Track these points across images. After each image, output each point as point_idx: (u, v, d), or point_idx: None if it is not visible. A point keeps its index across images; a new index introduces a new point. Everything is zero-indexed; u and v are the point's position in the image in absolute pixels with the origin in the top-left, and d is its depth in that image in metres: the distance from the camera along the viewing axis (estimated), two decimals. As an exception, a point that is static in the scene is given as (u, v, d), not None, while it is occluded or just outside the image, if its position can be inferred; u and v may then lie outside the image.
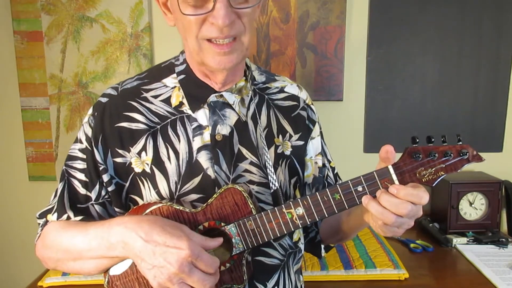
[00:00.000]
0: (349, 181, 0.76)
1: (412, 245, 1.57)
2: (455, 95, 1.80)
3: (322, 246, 1.05)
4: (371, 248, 1.52)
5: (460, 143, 0.74)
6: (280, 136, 0.93)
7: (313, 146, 0.99)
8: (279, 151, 0.92)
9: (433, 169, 0.74)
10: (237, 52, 0.79)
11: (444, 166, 0.74)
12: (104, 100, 0.88)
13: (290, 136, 0.94)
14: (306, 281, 1.09)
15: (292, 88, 0.99)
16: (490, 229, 1.66)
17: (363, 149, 1.86)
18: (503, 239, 1.57)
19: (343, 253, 1.48)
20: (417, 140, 0.74)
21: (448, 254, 1.54)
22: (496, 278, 1.31)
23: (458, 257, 1.50)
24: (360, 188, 0.75)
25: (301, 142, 0.96)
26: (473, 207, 1.67)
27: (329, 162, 1.04)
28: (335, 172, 1.05)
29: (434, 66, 1.78)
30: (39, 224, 0.92)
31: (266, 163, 0.88)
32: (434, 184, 0.74)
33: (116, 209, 0.89)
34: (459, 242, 1.59)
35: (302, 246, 0.99)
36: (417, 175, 0.74)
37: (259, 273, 0.87)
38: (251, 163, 0.88)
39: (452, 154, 0.73)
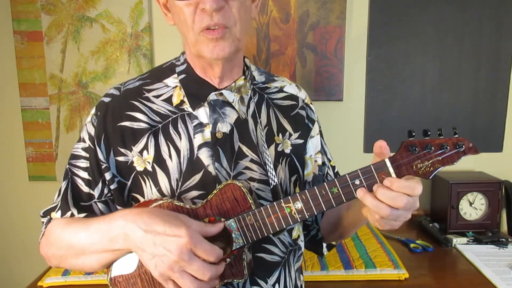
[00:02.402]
0: (346, 175, 0.77)
1: (412, 245, 1.57)
2: (455, 95, 1.80)
3: (324, 244, 1.05)
4: (371, 248, 1.51)
5: (456, 135, 0.74)
6: (280, 134, 0.94)
7: (313, 145, 1.00)
8: (279, 149, 0.92)
9: (430, 161, 0.74)
10: (229, 41, 0.80)
11: (440, 158, 0.74)
12: (107, 100, 0.89)
13: (290, 135, 0.95)
14: (306, 281, 1.09)
15: (291, 88, 1.00)
16: (490, 229, 1.66)
17: (363, 149, 1.86)
18: (503, 239, 1.57)
19: (343, 253, 1.48)
20: (413, 134, 0.75)
21: (448, 254, 1.53)
22: (496, 278, 1.31)
23: (458, 257, 1.50)
24: (357, 182, 0.76)
25: (301, 141, 0.97)
26: (473, 207, 1.67)
27: (329, 161, 1.04)
28: (336, 171, 1.05)
29: (434, 66, 1.78)
30: (43, 222, 0.92)
31: (266, 159, 0.88)
32: (430, 177, 0.74)
33: (118, 207, 0.89)
34: (459, 242, 1.59)
35: (301, 244, 0.99)
36: (414, 167, 0.74)
37: (260, 270, 0.87)
38: (252, 160, 0.88)
39: (448, 147, 0.74)
